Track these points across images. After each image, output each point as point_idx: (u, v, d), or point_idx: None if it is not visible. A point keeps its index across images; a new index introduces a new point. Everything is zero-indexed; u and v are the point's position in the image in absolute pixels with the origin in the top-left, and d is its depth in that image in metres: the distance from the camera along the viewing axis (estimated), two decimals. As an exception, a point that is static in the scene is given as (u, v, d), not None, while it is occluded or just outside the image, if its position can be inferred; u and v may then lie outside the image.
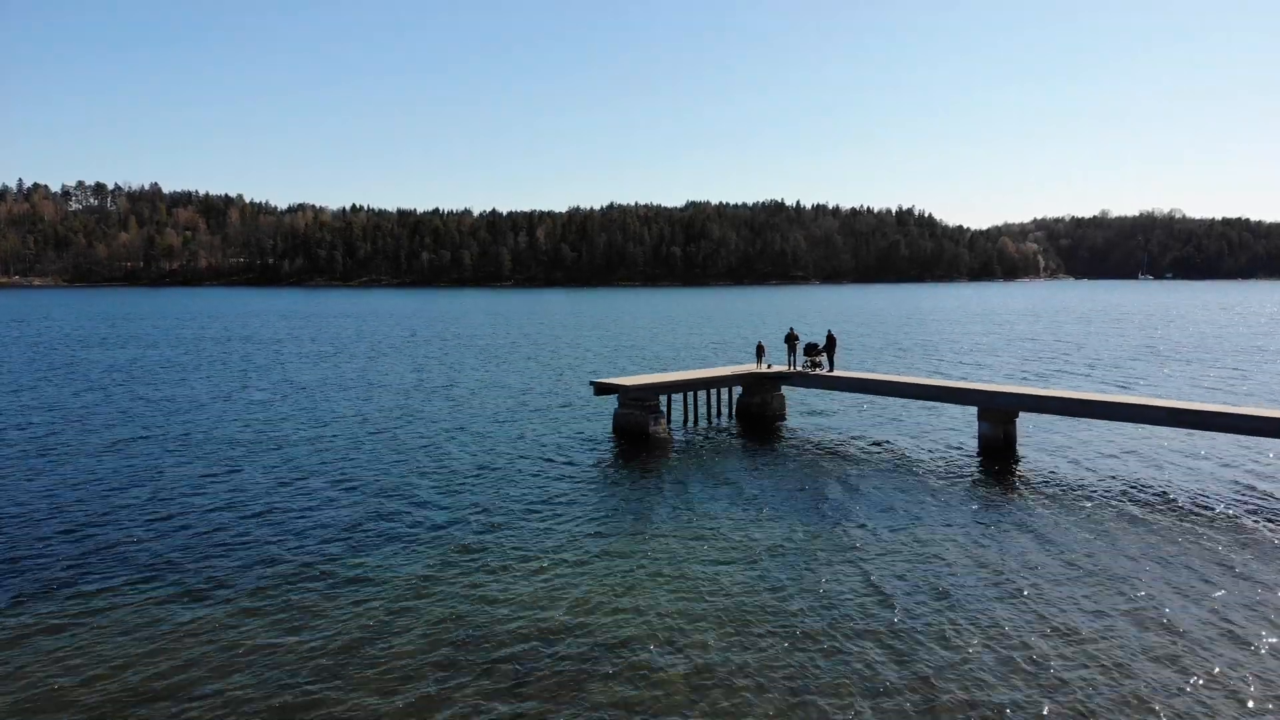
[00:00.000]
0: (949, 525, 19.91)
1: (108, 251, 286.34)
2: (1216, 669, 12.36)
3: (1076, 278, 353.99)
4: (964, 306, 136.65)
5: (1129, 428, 30.37)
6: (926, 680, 12.14)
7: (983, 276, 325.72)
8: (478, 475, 25.12)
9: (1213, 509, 21.17)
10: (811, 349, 34.13)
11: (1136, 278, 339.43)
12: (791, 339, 34.18)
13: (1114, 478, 24.36)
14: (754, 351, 35.41)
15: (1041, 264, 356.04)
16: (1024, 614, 14.60)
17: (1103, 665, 12.59)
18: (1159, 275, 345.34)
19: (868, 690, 11.86)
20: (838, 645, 13.36)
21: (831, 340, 33.64)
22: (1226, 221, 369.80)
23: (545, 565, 17.16)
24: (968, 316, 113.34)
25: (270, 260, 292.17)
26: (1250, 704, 11.31)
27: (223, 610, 14.93)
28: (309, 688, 11.92)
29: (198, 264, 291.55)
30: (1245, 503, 21.67)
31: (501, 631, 13.89)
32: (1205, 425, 24.39)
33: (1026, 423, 30.33)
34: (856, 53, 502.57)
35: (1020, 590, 15.71)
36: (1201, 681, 11.97)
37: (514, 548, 18.30)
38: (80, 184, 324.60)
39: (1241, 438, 27.18)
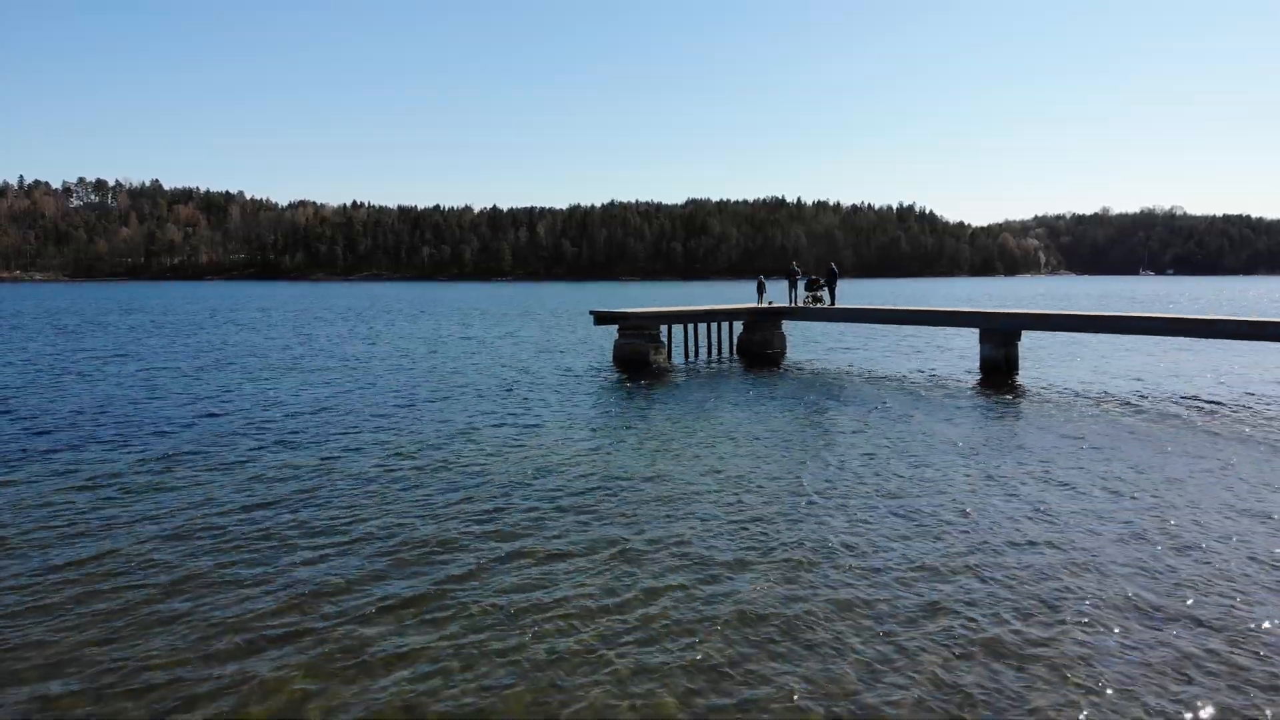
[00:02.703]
0: (951, 431, 19.89)
1: (108, 247, 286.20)
2: (1230, 553, 12.29)
3: (1078, 274, 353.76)
4: (971, 293, 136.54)
5: (1134, 356, 30.34)
6: (941, 563, 12.10)
7: (984, 272, 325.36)
8: (482, 394, 25.25)
9: (1234, 413, 21.17)
10: (813, 284, 34.10)
11: (1138, 273, 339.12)
12: (792, 274, 34.15)
13: (1117, 392, 24.34)
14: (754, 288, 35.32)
15: (1043, 260, 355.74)
16: (1040, 511, 14.55)
17: (1113, 550, 12.54)
18: (1160, 271, 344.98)
19: (889, 575, 11.82)
20: (854, 537, 13.32)
21: (833, 273, 33.60)
22: (1227, 218, 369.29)
23: (554, 451, 17.29)
24: (977, 297, 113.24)
25: (271, 256, 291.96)
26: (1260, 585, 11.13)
27: (253, 469, 14.99)
28: (348, 549, 11.87)
29: (198, 259, 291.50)
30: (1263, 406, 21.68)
31: (505, 496, 13.98)
32: (1208, 333, 24.40)
33: (1029, 346, 30.33)
34: (857, 51, 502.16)
35: (1033, 490, 15.67)
36: (1214, 568, 11.82)
37: (517, 442, 18.45)
38: (81, 180, 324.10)
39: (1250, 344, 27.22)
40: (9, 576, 9.65)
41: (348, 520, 11.78)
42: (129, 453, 16.19)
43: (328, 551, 10.49)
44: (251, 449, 16.57)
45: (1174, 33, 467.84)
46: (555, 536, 11.07)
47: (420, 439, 17.48)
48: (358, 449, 16.50)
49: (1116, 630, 8.16)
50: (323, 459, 15.63)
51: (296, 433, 18.23)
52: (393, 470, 14.70)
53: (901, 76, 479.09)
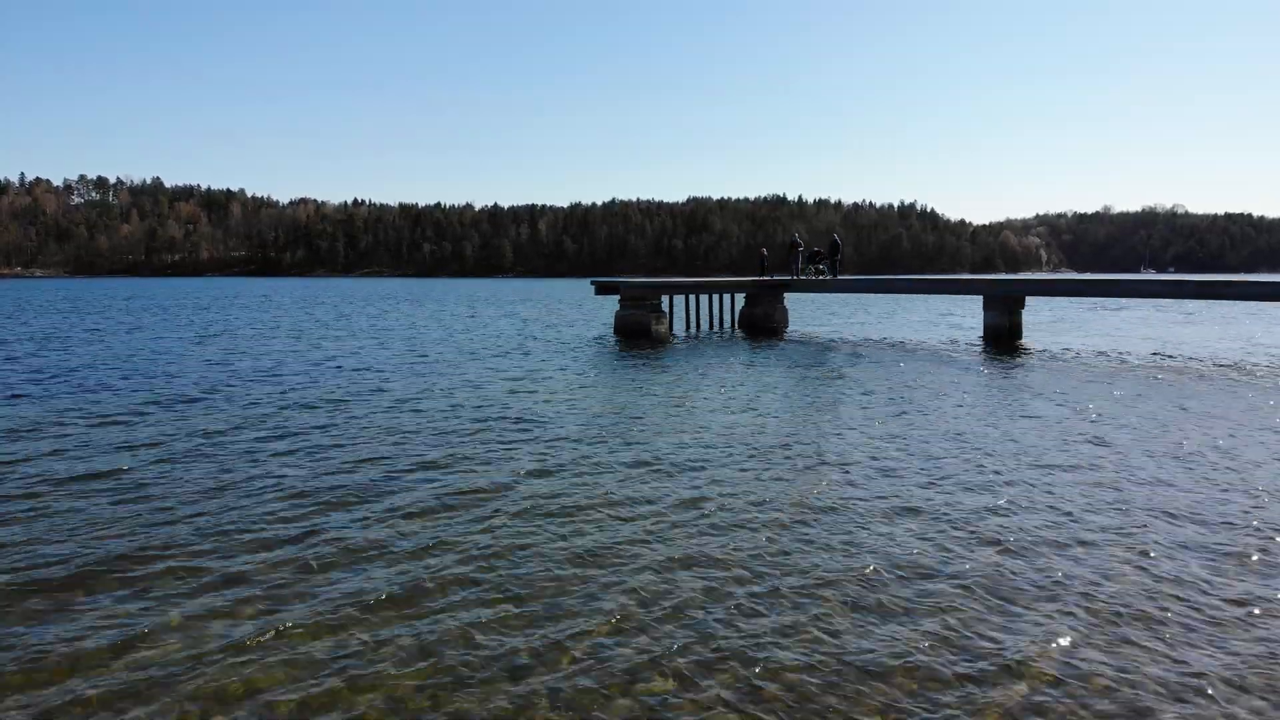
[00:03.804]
0: (956, 385, 19.82)
1: (109, 244, 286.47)
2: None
3: (1079, 271, 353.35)
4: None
5: (1137, 326, 30.22)
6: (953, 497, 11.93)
7: (985, 269, 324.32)
8: (492, 355, 25.20)
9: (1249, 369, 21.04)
10: (815, 256, 33.96)
11: (1139, 271, 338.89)
12: (794, 247, 34.00)
13: (1124, 352, 24.24)
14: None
15: (1044, 258, 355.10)
16: (1055, 463, 14.42)
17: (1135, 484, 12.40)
18: (1161, 269, 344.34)
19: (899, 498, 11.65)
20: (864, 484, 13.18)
21: (835, 246, 33.43)
22: (1229, 216, 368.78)
23: (554, 395, 17.17)
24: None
25: (272, 253, 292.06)
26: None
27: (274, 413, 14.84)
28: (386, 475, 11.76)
29: (199, 256, 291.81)
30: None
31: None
32: (1210, 295, 24.28)
33: (1034, 322, 30.21)
34: (857, 51, 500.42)
35: (1045, 445, 15.51)
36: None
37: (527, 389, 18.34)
38: (82, 178, 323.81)
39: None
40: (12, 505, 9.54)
41: (368, 452, 11.69)
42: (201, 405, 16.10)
43: (352, 475, 10.40)
44: (280, 396, 16.50)
45: (1174, 33, 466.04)
46: (560, 462, 10.99)
47: (436, 388, 17.42)
48: (383, 398, 16.42)
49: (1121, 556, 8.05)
50: (353, 405, 15.57)
51: (331, 384, 18.14)
52: (412, 412, 14.63)
53: (901, 76, 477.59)
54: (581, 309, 52.17)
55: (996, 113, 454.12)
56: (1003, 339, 27.10)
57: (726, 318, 33.97)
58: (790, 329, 33.12)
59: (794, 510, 8.41)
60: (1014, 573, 6.71)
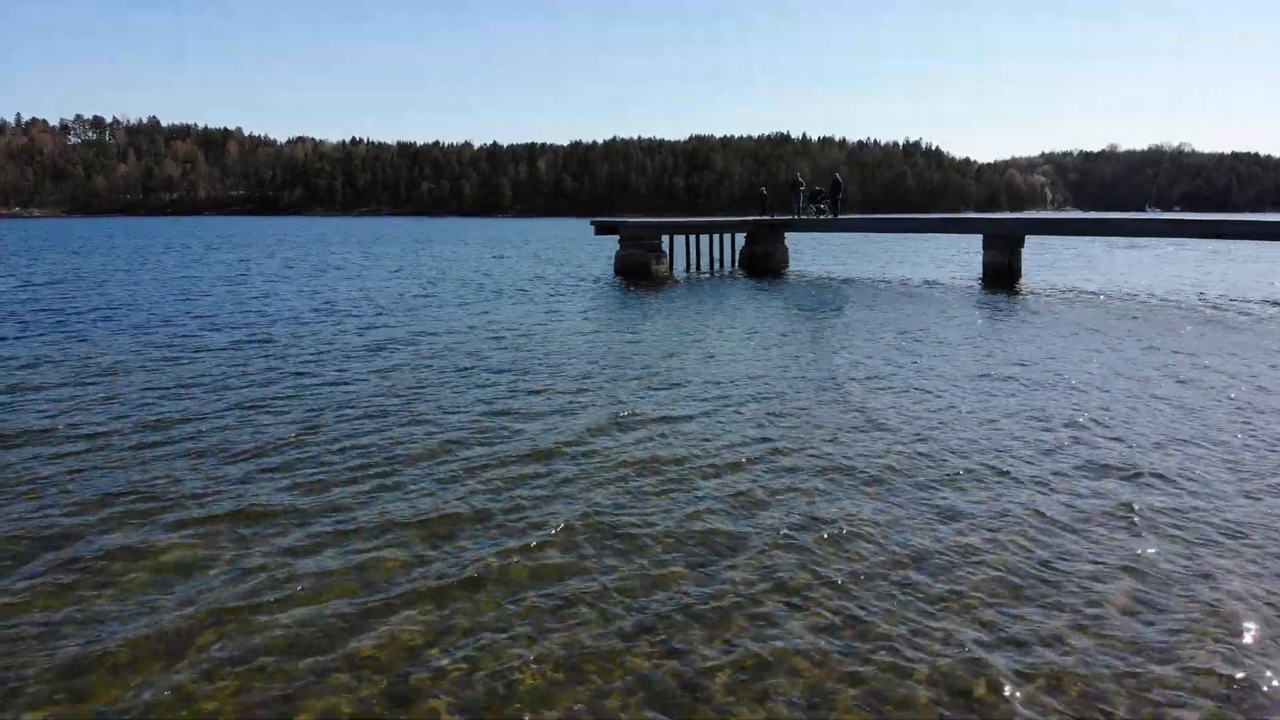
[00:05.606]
0: (951, 320, 20.00)
1: (106, 183, 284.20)
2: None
3: (1084, 210, 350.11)
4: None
5: (1138, 266, 30.31)
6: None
7: (990, 208, 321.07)
8: (497, 294, 25.36)
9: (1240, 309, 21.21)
10: (816, 195, 33.86)
11: (1144, 210, 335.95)
12: (794, 186, 33.87)
13: (1116, 293, 24.39)
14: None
15: (1049, 196, 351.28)
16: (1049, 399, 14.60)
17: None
18: (1167, 208, 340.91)
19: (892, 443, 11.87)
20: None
21: (836, 184, 33.28)
22: (1235, 155, 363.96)
23: (556, 332, 17.38)
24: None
25: (269, 192, 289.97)
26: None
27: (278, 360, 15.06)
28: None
29: (196, 195, 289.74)
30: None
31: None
32: (1209, 234, 24.35)
33: (1035, 263, 30.30)
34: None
35: (1038, 379, 15.70)
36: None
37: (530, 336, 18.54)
38: (79, 117, 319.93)
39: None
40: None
41: (386, 391, 11.96)
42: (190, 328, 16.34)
43: (376, 413, 10.68)
44: (297, 335, 16.74)
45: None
46: (569, 398, 11.27)
47: (446, 329, 17.67)
48: (393, 342, 16.66)
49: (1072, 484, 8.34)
50: (365, 353, 15.83)
51: (348, 319, 18.38)
52: (426, 351, 14.89)
53: (909, 10, 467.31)
54: (581, 248, 52.12)
55: (1003, 49, 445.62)
56: (1002, 278, 27.21)
57: (727, 257, 33.99)
58: (791, 268, 33.22)
59: (815, 457, 8.78)
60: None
